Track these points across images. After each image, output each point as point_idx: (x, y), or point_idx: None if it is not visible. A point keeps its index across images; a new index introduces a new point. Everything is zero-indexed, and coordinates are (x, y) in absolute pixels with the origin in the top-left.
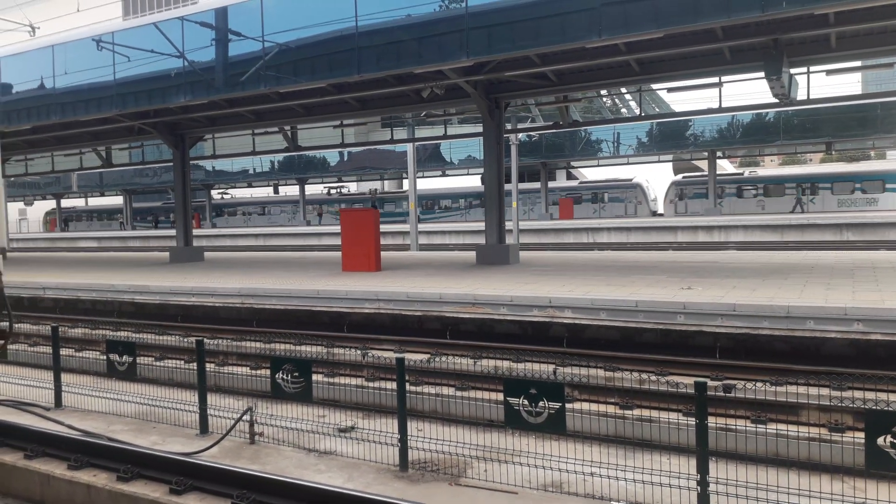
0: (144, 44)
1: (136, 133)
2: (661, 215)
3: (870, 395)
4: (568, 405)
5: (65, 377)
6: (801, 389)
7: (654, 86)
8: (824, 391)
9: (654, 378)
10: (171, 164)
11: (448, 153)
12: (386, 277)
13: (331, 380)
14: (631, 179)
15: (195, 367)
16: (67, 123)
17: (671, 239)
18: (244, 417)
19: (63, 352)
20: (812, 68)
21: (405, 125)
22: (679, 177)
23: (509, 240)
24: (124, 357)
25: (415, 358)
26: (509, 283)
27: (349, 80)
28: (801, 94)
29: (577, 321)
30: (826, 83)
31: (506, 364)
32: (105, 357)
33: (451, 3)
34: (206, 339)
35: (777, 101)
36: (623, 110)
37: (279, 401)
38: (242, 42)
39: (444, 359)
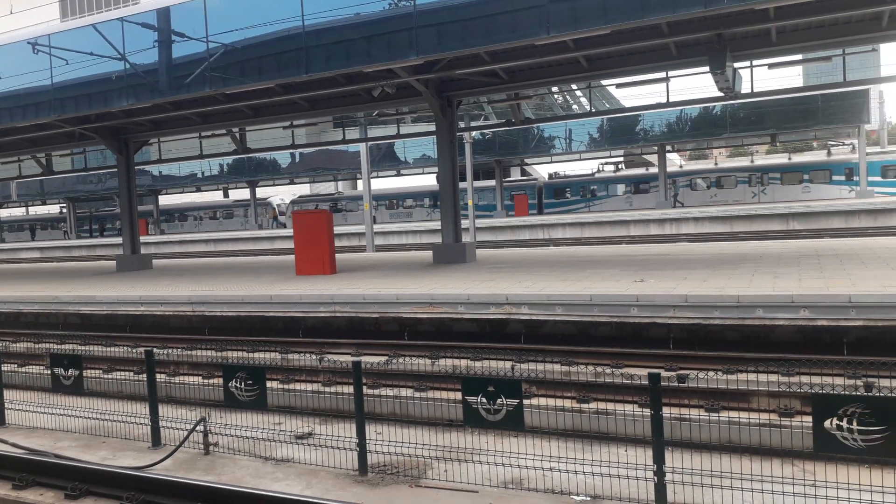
0: (83, 46)
1: (77, 139)
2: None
3: (816, 379)
4: (526, 401)
5: (7, 393)
6: (752, 377)
7: (604, 82)
8: (773, 377)
9: (609, 371)
10: (116, 169)
11: (403, 152)
12: (341, 280)
13: (286, 386)
14: (267, 199)
15: (145, 379)
16: (3, 130)
17: (624, 233)
18: (197, 428)
19: (5, 367)
20: (755, 62)
21: (357, 125)
22: (296, 195)
23: (466, 238)
24: (70, 371)
25: (372, 360)
26: (466, 282)
27: (297, 80)
28: (745, 88)
29: (533, 317)
30: (769, 76)
31: (464, 363)
32: (50, 371)
33: (401, 2)
34: (156, 349)
35: (722, 94)
36: (574, 107)
37: (233, 409)
38: (186, 43)
39: (402, 360)
